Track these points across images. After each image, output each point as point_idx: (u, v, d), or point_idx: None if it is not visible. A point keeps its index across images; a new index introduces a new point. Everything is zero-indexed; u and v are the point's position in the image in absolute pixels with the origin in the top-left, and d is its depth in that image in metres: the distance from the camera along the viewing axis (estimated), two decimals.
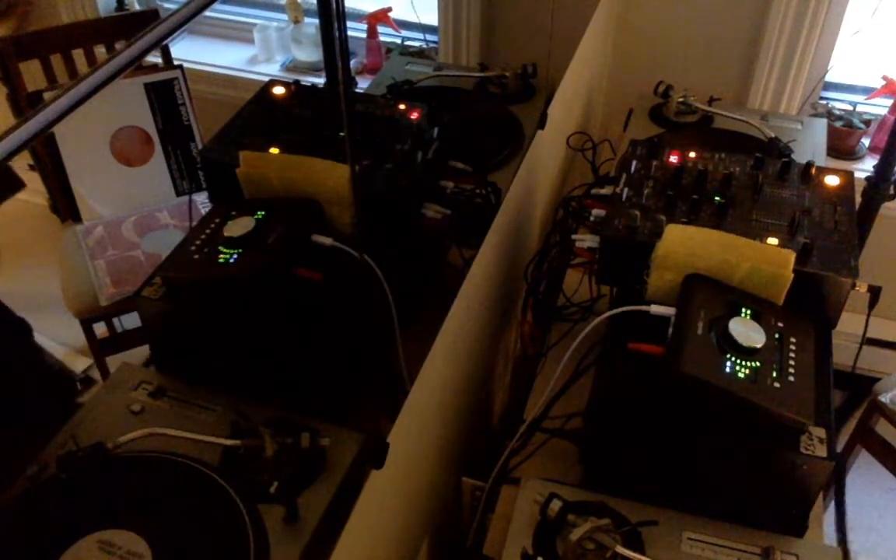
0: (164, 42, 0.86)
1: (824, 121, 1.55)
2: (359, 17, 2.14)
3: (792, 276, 0.91)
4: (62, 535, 0.73)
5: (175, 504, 0.78)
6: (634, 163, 1.12)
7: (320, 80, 1.88)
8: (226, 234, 0.89)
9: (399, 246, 1.03)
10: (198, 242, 0.90)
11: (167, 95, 1.67)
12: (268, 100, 1.12)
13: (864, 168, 1.95)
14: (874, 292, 0.99)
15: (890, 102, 1.99)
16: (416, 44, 2.02)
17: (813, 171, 1.09)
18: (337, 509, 0.79)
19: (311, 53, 2.23)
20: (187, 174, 1.71)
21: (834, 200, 1.05)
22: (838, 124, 1.98)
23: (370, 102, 1.15)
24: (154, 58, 1.70)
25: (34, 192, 1.74)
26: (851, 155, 2.02)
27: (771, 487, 0.89)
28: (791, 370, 0.85)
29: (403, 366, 0.97)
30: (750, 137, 1.47)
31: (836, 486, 2.00)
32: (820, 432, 0.86)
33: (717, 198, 1.05)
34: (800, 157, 1.29)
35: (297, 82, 1.15)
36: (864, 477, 2.02)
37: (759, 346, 0.85)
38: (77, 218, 1.65)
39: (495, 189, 1.18)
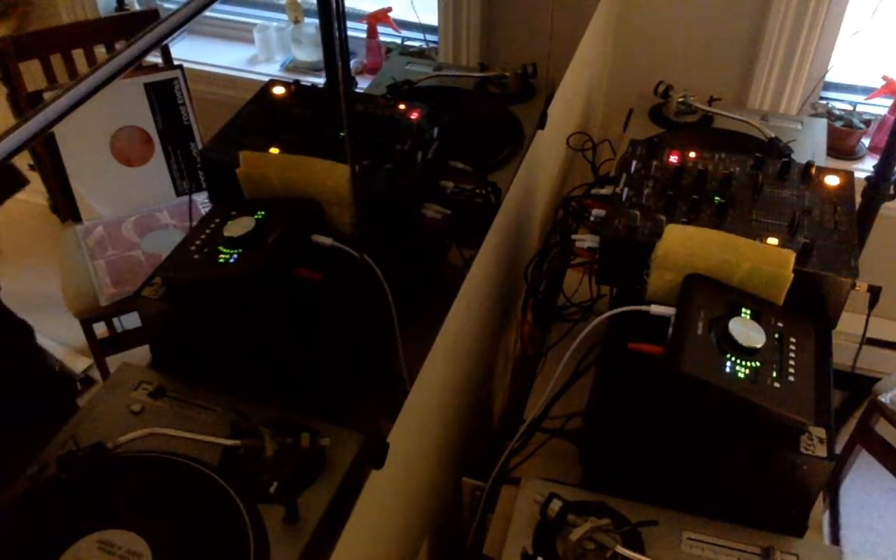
0: (164, 42, 0.86)
1: (824, 121, 1.55)
2: (359, 17, 2.14)
3: (792, 276, 0.91)
4: (62, 535, 0.73)
5: (175, 504, 0.78)
6: (634, 163, 1.12)
7: (320, 80, 1.88)
8: (226, 234, 0.89)
9: (399, 246, 1.03)
10: (198, 242, 0.90)
11: (167, 95, 1.67)
12: (268, 100, 1.12)
13: (864, 168, 1.94)
14: (874, 292, 0.99)
15: (890, 102, 1.99)
16: (416, 44, 2.02)
17: (813, 171, 1.09)
18: (337, 509, 0.79)
19: (311, 53, 2.23)
20: (187, 174, 1.71)
21: (834, 200, 1.05)
22: (838, 124, 1.98)
23: (370, 102, 1.15)
24: (154, 58, 1.70)
25: (34, 192, 1.74)
26: (851, 155, 2.02)
27: (771, 487, 0.89)
28: (791, 370, 0.85)
29: (403, 366, 0.97)
30: (750, 137, 1.47)
31: (831, 486, 2.00)
32: (820, 432, 0.86)
33: (717, 198, 1.05)
34: (800, 157, 1.29)
35: (297, 82, 1.15)
36: (864, 477, 2.03)
37: (759, 346, 0.85)
38: (77, 218, 1.65)
39: (495, 189, 1.18)
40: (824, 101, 2.05)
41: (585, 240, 1.05)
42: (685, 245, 0.94)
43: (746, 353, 0.85)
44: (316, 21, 2.15)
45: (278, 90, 1.13)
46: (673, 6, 1.97)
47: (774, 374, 0.84)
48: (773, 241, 0.97)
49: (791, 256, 0.91)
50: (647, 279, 0.96)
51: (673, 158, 1.13)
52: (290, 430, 0.82)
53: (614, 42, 2.06)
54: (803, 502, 0.89)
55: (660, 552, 0.89)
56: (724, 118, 1.53)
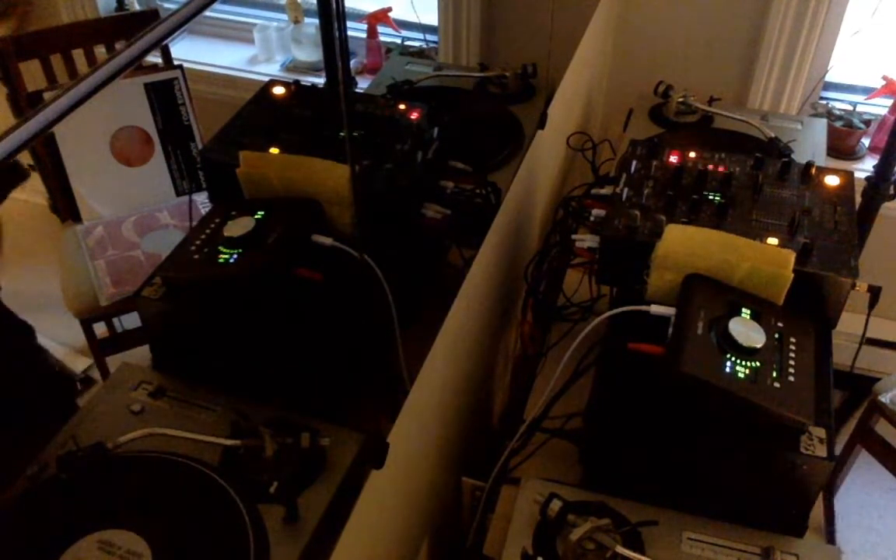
0: (164, 42, 0.86)
1: (824, 121, 1.55)
2: (359, 17, 2.14)
3: (792, 276, 0.91)
4: (62, 535, 0.73)
5: (175, 504, 0.78)
6: (634, 163, 1.12)
7: (320, 80, 1.88)
8: (226, 234, 0.89)
9: (399, 246, 1.03)
10: (198, 242, 0.90)
11: (167, 95, 1.66)
12: (268, 100, 1.12)
13: (864, 168, 1.94)
14: (874, 292, 0.99)
15: (890, 102, 1.99)
16: (416, 44, 2.02)
17: (813, 171, 1.09)
18: (337, 509, 0.79)
19: (311, 53, 2.23)
20: (187, 174, 1.71)
21: (834, 200, 1.05)
22: (838, 124, 1.98)
23: (370, 102, 1.15)
24: (154, 58, 1.70)
25: (34, 191, 1.74)
26: (851, 155, 2.02)
27: (771, 487, 0.89)
28: (791, 370, 0.85)
29: (403, 366, 0.97)
30: (750, 137, 1.47)
31: (831, 486, 2.00)
32: (820, 432, 0.86)
33: (717, 198, 1.05)
34: (800, 157, 1.29)
35: (297, 82, 1.15)
36: (864, 477, 2.02)
37: (759, 346, 0.85)
38: (77, 218, 1.65)
39: (495, 189, 1.18)
40: (824, 101, 2.05)
41: (585, 240, 1.05)
42: (685, 245, 0.94)
43: (746, 353, 0.85)
44: (316, 21, 2.15)
45: (278, 90, 1.13)
46: (673, 6, 1.97)
47: (774, 374, 0.84)
48: (773, 241, 0.97)
49: (791, 256, 0.91)
50: (647, 279, 0.96)
51: (673, 158, 1.13)
52: (290, 430, 0.82)
53: (614, 42, 2.06)
54: (803, 502, 0.89)
55: (660, 552, 0.89)
56: (724, 118, 1.53)
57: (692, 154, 1.14)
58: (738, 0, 1.91)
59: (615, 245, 1.00)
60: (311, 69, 2.21)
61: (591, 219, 1.09)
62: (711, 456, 0.91)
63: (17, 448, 0.87)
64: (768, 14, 1.87)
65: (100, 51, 1.80)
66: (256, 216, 0.91)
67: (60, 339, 1.55)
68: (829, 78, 2.03)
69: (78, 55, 1.75)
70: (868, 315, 1.05)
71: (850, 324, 1.08)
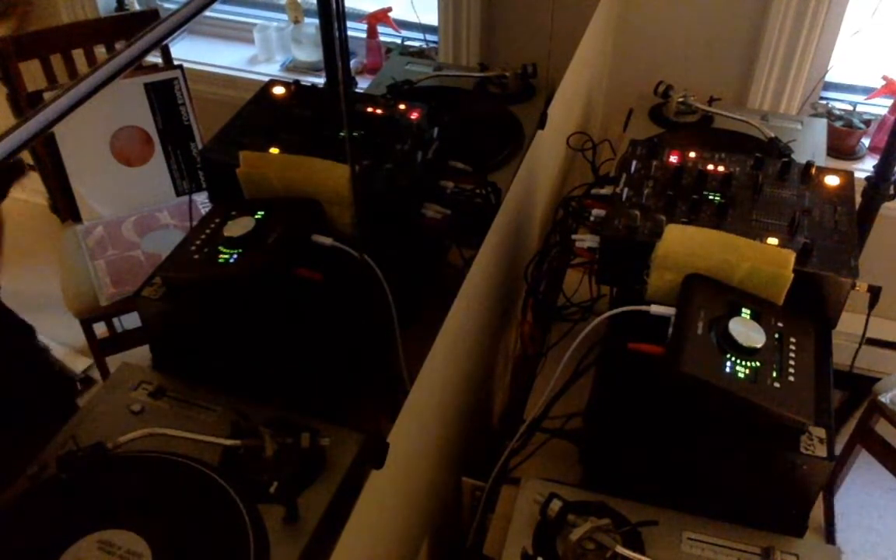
0: (164, 42, 0.86)
1: (824, 121, 1.55)
2: (359, 17, 2.14)
3: (792, 276, 0.91)
4: (62, 535, 0.73)
5: (175, 504, 0.78)
6: (634, 163, 1.12)
7: (320, 80, 1.88)
8: (226, 234, 0.89)
9: (399, 246, 1.03)
10: (198, 242, 0.90)
11: (167, 95, 1.66)
12: (268, 100, 1.12)
13: (864, 168, 1.94)
14: (874, 292, 0.99)
15: (890, 102, 1.99)
16: (416, 44, 2.02)
17: (813, 171, 1.09)
18: (337, 509, 0.79)
19: (311, 53, 2.23)
20: (187, 174, 1.71)
21: (834, 200, 1.05)
22: (838, 124, 1.98)
23: (370, 102, 1.15)
24: (154, 58, 1.70)
25: (34, 191, 1.74)
26: (851, 155, 2.02)
27: (771, 487, 0.89)
28: (791, 370, 0.85)
29: (403, 366, 0.97)
30: (750, 137, 1.47)
31: (827, 486, 2.00)
32: (820, 432, 0.86)
33: (717, 198, 1.05)
34: (800, 157, 1.29)
35: (297, 82, 1.15)
36: (864, 477, 2.02)
37: (759, 346, 0.85)
38: (77, 218, 1.65)
39: (495, 189, 1.18)
40: (824, 101, 2.05)
41: (585, 240, 1.05)
42: (685, 245, 0.94)
43: (746, 353, 0.85)
44: (316, 21, 2.15)
45: (278, 90, 1.13)
46: (673, 6, 1.97)
47: (774, 374, 0.84)
48: (773, 241, 0.97)
49: (791, 256, 0.91)
50: (647, 279, 0.96)
51: (673, 158, 1.13)
52: (290, 430, 0.82)
53: (614, 42, 2.06)
54: (803, 502, 0.89)
55: (660, 552, 0.89)
56: (724, 118, 1.53)
57: (692, 154, 1.14)
58: (738, 0, 1.91)
59: (615, 245, 1.00)
60: (311, 69, 2.21)
61: (591, 219, 1.09)
62: (711, 456, 0.91)
63: (17, 448, 0.87)
64: (768, 14, 1.87)
65: (100, 51, 1.80)
66: (256, 216, 0.91)
67: (60, 339, 1.55)
68: (829, 78, 2.03)
69: (78, 55, 1.75)
70: (868, 315, 1.05)
71: (850, 324, 1.08)
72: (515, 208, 1.34)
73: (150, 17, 1.93)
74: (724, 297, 0.91)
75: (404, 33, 2.10)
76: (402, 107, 1.11)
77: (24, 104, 1.60)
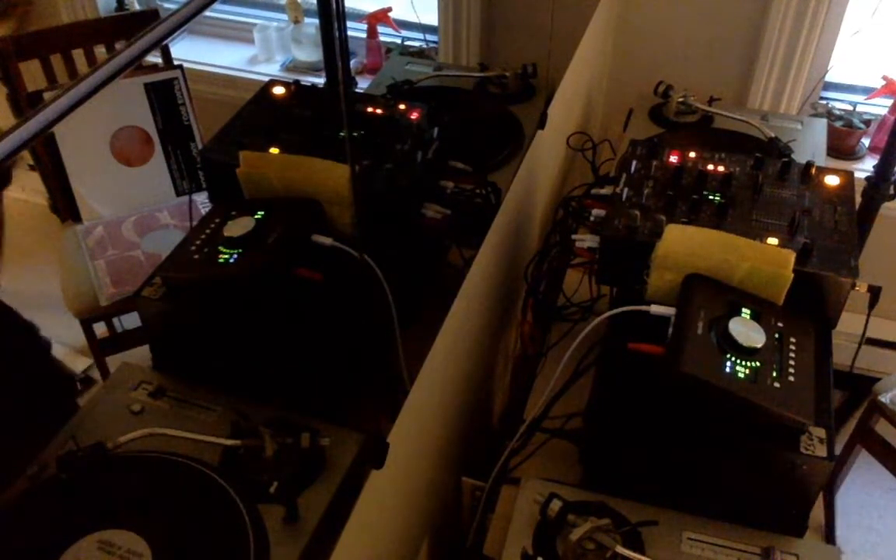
0: (164, 42, 0.86)
1: (824, 121, 1.55)
2: (359, 17, 2.14)
3: (792, 276, 0.91)
4: (62, 535, 0.73)
5: (175, 504, 0.78)
6: (634, 163, 1.12)
7: (320, 80, 1.88)
8: (226, 234, 0.89)
9: (399, 246, 1.03)
10: (198, 242, 0.90)
11: (167, 95, 1.66)
12: (268, 100, 1.12)
13: (864, 168, 1.94)
14: (874, 292, 0.99)
15: (890, 102, 1.99)
16: (416, 44, 2.02)
17: (813, 171, 1.09)
18: (337, 509, 0.79)
19: (311, 53, 2.23)
20: (187, 174, 1.71)
21: (834, 200, 1.05)
22: (838, 124, 1.98)
23: (370, 102, 1.15)
24: (154, 58, 1.70)
25: (34, 191, 1.74)
26: (851, 155, 2.02)
27: (771, 487, 0.89)
28: (791, 370, 0.85)
29: (403, 366, 0.97)
30: (750, 137, 1.47)
31: (827, 486, 2.00)
32: (820, 432, 0.86)
33: (717, 198, 1.05)
34: (800, 157, 1.29)
35: (297, 82, 1.15)
36: (864, 477, 2.02)
37: (759, 346, 0.85)
38: (77, 218, 1.65)
39: (495, 189, 1.18)
40: (824, 101, 2.05)
41: (585, 240, 1.05)
42: (685, 245, 0.94)
43: (746, 353, 0.85)
44: (316, 21, 2.15)
45: (278, 90, 1.13)
46: (673, 6, 1.97)
47: (774, 374, 0.84)
48: (773, 241, 0.97)
49: (791, 256, 0.91)
50: (647, 279, 0.96)
51: (673, 158, 1.13)
52: (290, 430, 0.82)
53: (614, 42, 2.06)
54: (803, 502, 0.89)
55: (660, 552, 0.89)
56: (724, 118, 1.53)
57: (692, 154, 1.14)
58: (738, 0, 1.91)
59: (615, 245, 1.00)
60: (311, 69, 2.21)
61: (591, 219, 1.09)
62: (711, 456, 0.91)
63: (17, 448, 0.87)
64: (768, 14, 1.87)
65: (100, 51, 1.80)
66: (256, 216, 0.91)
67: (60, 339, 1.55)
68: (829, 78, 2.03)
69: (78, 55, 1.75)
70: (868, 315, 1.05)
71: (850, 324, 1.08)
72: (515, 208, 1.34)
73: (150, 17, 1.93)
74: (724, 297, 0.91)
75: (404, 33, 2.10)
76: (402, 107, 1.11)
77: (24, 104, 1.60)
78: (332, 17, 1.15)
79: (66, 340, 1.56)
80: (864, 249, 1.33)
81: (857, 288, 0.95)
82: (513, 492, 0.99)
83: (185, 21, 0.60)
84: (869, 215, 1.41)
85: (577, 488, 0.95)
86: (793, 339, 0.88)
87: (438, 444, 1.19)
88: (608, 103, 2.15)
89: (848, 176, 1.09)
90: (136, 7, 2.25)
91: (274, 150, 1.01)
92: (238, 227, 0.89)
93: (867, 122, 2.00)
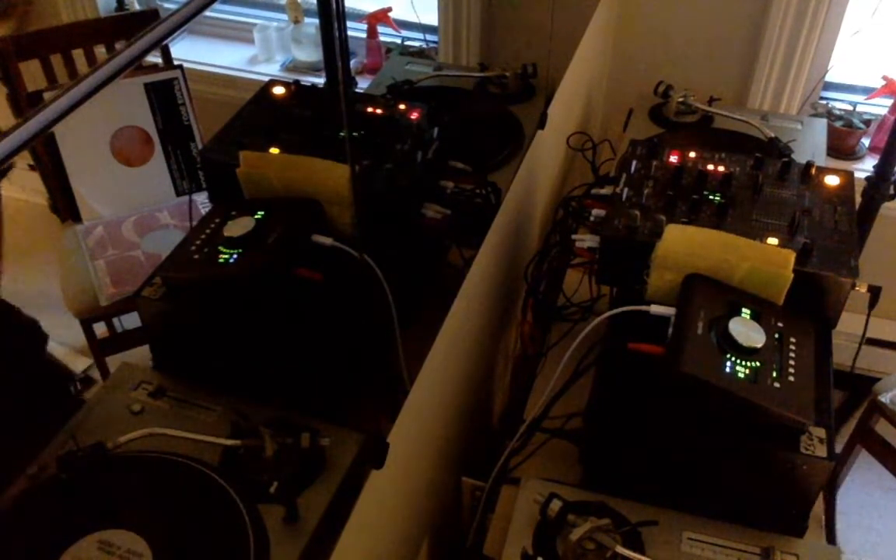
0: (164, 42, 0.86)
1: (824, 121, 1.55)
2: (359, 17, 2.14)
3: (792, 276, 0.91)
4: (62, 535, 0.73)
5: (175, 504, 0.78)
6: (634, 163, 1.12)
7: (320, 80, 1.88)
8: (226, 234, 0.89)
9: (399, 246, 1.03)
10: (198, 242, 0.90)
11: (167, 95, 1.66)
12: (268, 100, 1.12)
13: (864, 168, 1.95)
14: (874, 292, 0.99)
15: (890, 102, 1.99)
16: (416, 44, 2.02)
17: (813, 171, 1.09)
18: (337, 509, 0.79)
19: (311, 53, 2.23)
20: (187, 174, 1.71)
21: (834, 200, 1.05)
22: (838, 124, 1.98)
23: (370, 102, 1.15)
24: (154, 58, 1.70)
25: (34, 191, 1.73)
26: (851, 155, 2.02)
27: (771, 487, 0.89)
28: (791, 370, 0.85)
29: (403, 366, 0.97)
30: (750, 137, 1.47)
31: (828, 486, 2.00)
32: (820, 432, 0.86)
33: (717, 198, 1.05)
34: (800, 157, 1.29)
35: (297, 82, 1.15)
36: (864, 477, 2.03)
37: (759, 346, 0.85)
38: (77, 218, 1.65)
39: (495, 189, 1.18)
40: (824, 101, 2.05)
41: (585, 240, 1.05)
42: (685, 245, 0.94)
43: (746, 353, 0.85)
44: (316, 21, 2.15)
45: (278, 90, 1.13)
46: (673, 6, 1.97)
47: (774, 374, 0.84)
48: (773, 241, 0.97)
49: (791, 256, 0.91)
50: (647, 279, 0.96)
51: (673, 158, 1.13)
52: (290, 430, 0.82)
53: (614, 42, 2.06)
54: (803, 502, 0.89)
55: (660, 552, 0.89)
56: (724, 118, 1.53)
57: (692, 154, 1.14)
58: (738, 0, 1.91)
59: (615, 245, 1.00)
60: (311, 69, 2.21)
61: (591, 219, 1.09)
62: (711, 456, 0.91)
63: (18, 448, 0.87)
64: (768, 14, 1.87)
65: (100, 51, 1.80)
66: (256, 216, 0.91)
67: (60, 339, 1.55)
68: (829, 78, 2.03)
69: (78, 55, 1.75)
70: (868, 315, 1.05)
71: (850, 324, 1.08)
72: (515, 208, 1.34)
73: (150, 17, 1.93)
74: (724, 297, 0.91)
75: (404, 33, 2.10)
76: (402, 107, 1.11)
77: (24, 104, 1.60)
78: (332, 17, 1.15)
79: (66, 340, 1.56)
80: (864, 249, 1.33)
81: (857, 288, 0.95)
82: (513, 492, 0.99)
83: (185, 21, 0.60)
84: (869, 215, 1.41)
85: (577, 488, 0.95)
86: (793, 339, 0.88)
87: (438, 444, 1.19)
88: (608, 103, 2.15)
89: (848, 176, 1.09)
90: (136, 7, 2.25)
91: (274, 150, 1.01)
92: (238, 227, 0.89)
93: (867, 122, 2.00)
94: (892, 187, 1.38)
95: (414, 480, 1.10)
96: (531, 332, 1.42)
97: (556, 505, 0.90)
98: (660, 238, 0.95)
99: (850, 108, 2.03)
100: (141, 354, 0.95)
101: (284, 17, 2.27)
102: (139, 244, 1.60)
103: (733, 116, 1.52)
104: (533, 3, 1.66)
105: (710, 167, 1.11)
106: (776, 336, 0.88)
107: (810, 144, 1.46)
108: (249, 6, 2.34)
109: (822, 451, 0.85)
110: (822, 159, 1.43)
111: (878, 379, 1.78)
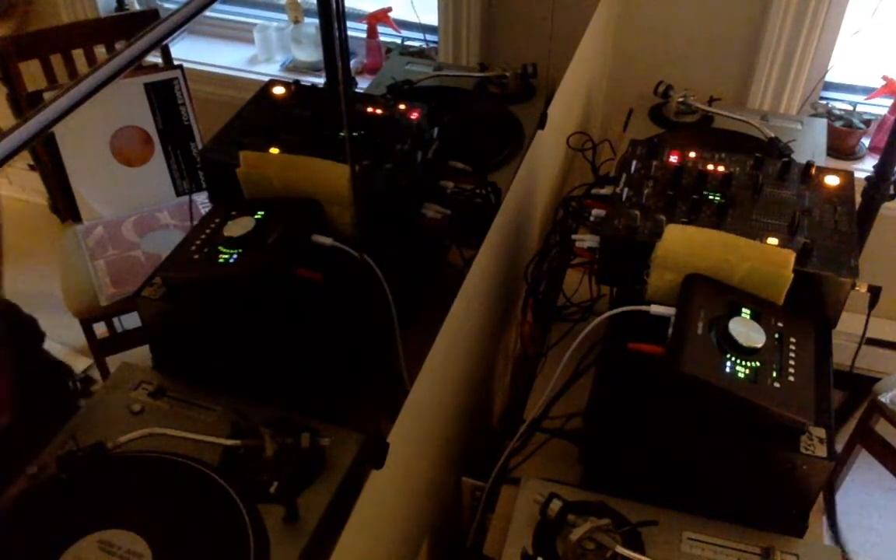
0: (164, 42, 0.86)
1: (824, 121, 1.55)
2: (359, 17, 2.14)
3: (792, 276, 0.91)
4: (62, 535, 0.73)
5: (175, 504, 0.78)
6: (634, 163, 1.12)
7: (320, 80, 1.88)
8: (226, 234, 0.89)
9: (399, 246, 1.03)
10: (198, 242, 0.90)
11: (167, 95, 1.66)
12: (268, 100, 1.12)
13: (864, 168, 1.95)
14: (874, 292, 0.99)
15: (890, 102, 1.99)
16: (416, 44, 2.02)
17: (813, 171, 1.09)
18: (337, 509, 0.79)
19: (311, 53, 2.23)
20: (187, 174, 1.70)
21: (834, 200, 1.05)
22: (838, 124, 1.98)
23: (370, 102, 1.15)
24: (154, 58, 1.70)
25: (34, 191, 1.74)
26: (851, 155, 2.02)
27: (771, 487, 0.89)
28: (791, 370, 0.85)
29: (403, 366, 0.97)
30: (750, 137, 1.47)
31: (828, 486, 2.00)
32: (820, 432, 0.86)
33: (717, 198, 1.05)
34: (800, 157, 1.29)
35: (297, 82, 1.15)
36: (864, 477, 2.02)
37: (759, 346, 0.85)
38: (77, 218, 1.65)
39: (495, 189, 1.18)
40: (824, 101, 2.05)
41: (585, 240, 1.05)
42: (685, 245, 0.94)
43: (746, 353, 0.85)
44: (316, 21, 2.15)
45: (278, 90, 1.13)
46: (673, 6, 1.97)
47: (774, 374, 0.84)
48: (773, 241, 0.97)
49: (791, 256, 0.91)
50: (647, 279, 0.96)
51: (673, 158, 1.13)
52: (290, 430, 0.82)
53: (614, 42, 2.06)
54: (803, 502, 0.89)
55: (660, 552, 0.89)
56: (724, 118, 1.53)
57: (692, 154, 1.14)
58: (738, 0, 1.91)
59: (615, 245, 1.00)
60: (311, 69, 2.21)
61: (591, 219, 1.09)
62: (711, 456, 0.91)
63: (17, 448, 0.87)
64: (768, 14, 1.87)
65: (100, 51, 1.80)
66: (256, 216, 0.91)
67: (60, 339, 1.55)
68: (829, 78, 2.03)
69: (78, 55, 1.75)
70: (868, 315, 1.05)
71: (850, 324, 1.08)
72: (515, 208, 1.34)
73: (150, 17, 1.93)
74: (724, 297, 0.91)
75: (404, 33, 2.10)
76: (402, 107, 1.11)
77: (24, 104, 1.60)
78: (332, 17, 1.15)
79: (66, 340, 1.56)
80: (864, 249, 1.33)
81: (857, 288, 0.95)
82: (513, 492, 0.99)
83: (185, 21, 0.60)
84: (869, 215, 1.41)
85: (577, 488, 0.95)
86: (793, 339, 0.88)
87: (438, 444, 1.19)
88: (608, 103, 2.15)
89: (848, 176, 1.09)
90: (136, 7, 2.25)
91: (274, 150, 1.01)
92: (238, 227, 0.89)
93: (867, 122, 2.00)
94: (892, 187, 1.38)
95: (414, 480, 1.10)
96: (531, 332, 1.42)
97: (556, 505, 0.90)
98: (660, 238, 0.95)
99: (850, 108, 2.03)
100: (141, 354, 0.95)
101: (284, 17, 2.27)
102: (139, 244, 1.60)
103: (733, 116, 1.52)
104: (533, 4, 1.66)
105: (710, 167, 1.11)
106: (776, 336, 0.88)
107: (810, 144, 1.46)
108: (249, 6, 2.34)
109: (822, 451, 0.85)
110: (822, 159, 1.43)
111: (878, 379, 1.78)
